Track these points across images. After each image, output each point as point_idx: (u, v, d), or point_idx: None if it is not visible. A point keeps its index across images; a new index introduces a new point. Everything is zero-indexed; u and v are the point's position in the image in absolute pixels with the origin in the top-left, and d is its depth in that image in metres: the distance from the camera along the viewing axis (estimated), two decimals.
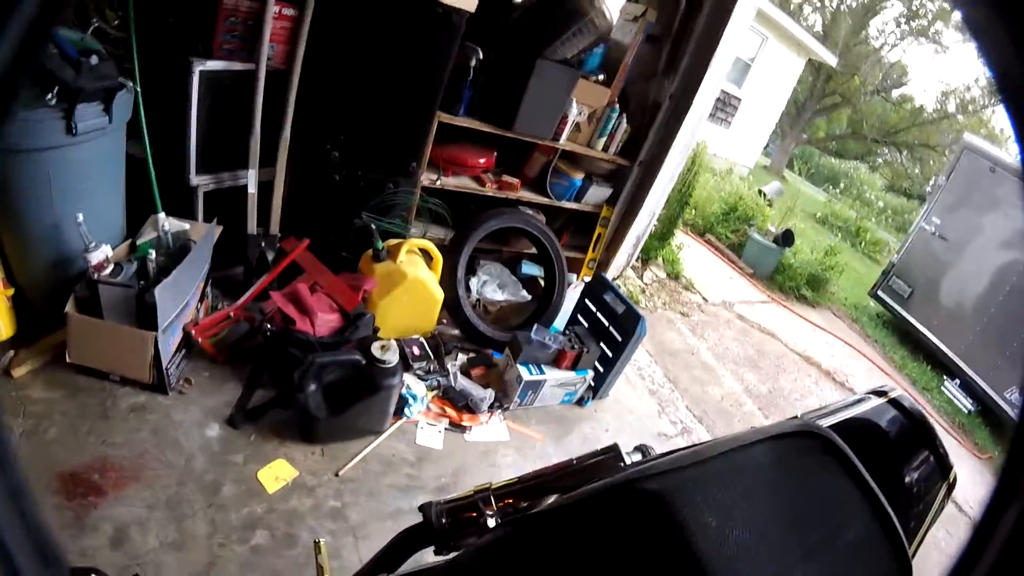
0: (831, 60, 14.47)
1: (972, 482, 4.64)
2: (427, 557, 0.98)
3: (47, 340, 2.30)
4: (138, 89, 2.34)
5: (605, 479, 0.71)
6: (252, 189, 2.76)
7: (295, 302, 2.57)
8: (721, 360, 4.74)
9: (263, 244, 2.80)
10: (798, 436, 0.77)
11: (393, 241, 2.90)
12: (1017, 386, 6.56)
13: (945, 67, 43.17)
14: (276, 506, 2.08)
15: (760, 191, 9.40)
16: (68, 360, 2.23)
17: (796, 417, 1.23)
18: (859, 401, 1.41)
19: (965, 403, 6.92)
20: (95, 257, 2.16)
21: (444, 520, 1.01)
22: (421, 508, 1.06)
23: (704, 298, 5.71)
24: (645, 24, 3.42)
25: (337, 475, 2.26)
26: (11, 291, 2.29)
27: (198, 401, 2.38)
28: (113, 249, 2.28)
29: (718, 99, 12.37)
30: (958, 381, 7.09)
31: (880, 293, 8.02)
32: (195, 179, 2.67)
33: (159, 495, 1.99)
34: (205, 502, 2.02)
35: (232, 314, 2.60)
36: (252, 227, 2.84)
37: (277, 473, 2.18)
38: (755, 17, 9.82)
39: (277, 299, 2.55)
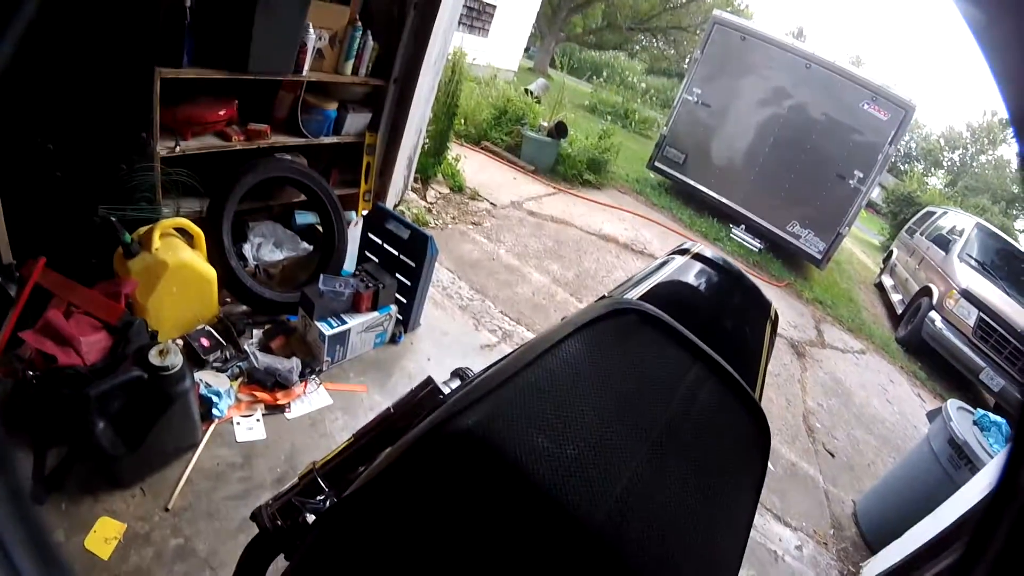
0: None
1: (780, 311, 5.57)
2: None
3: None
4: None
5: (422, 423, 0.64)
6: None
7: (52, 335, 2.11)
8: (523, 259, 4.90)
9: None
10: (610, 317, 0.72)
11: (143, 229, 2.48)
12: (797, 220, 7.83)
13: None
14: (118, 571, 1.78)
15: (526, 90, 9.67)
16: None
17: (604, 297, 1.22)
18: (663, 264, 1.44)
19: (753, 243, 8.19)
20: None
21: (279, 522, 0.91)
22: (252, 517, 0.94)
23: (492, 203, 5.80)
24: None
25: (167, 509, 1.97)
26: None
27: None
28: None
29: (471, 8, 12.29)
30: (743, 226, 8.35)
31: (657, 164, 9.01)
32: None
33: None
34: None
35: None
36: None
37: (105, 534, 1.85)
38: None
39: (30, 339, 2.07)
